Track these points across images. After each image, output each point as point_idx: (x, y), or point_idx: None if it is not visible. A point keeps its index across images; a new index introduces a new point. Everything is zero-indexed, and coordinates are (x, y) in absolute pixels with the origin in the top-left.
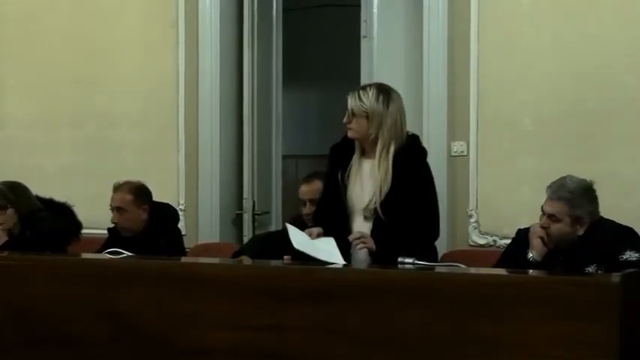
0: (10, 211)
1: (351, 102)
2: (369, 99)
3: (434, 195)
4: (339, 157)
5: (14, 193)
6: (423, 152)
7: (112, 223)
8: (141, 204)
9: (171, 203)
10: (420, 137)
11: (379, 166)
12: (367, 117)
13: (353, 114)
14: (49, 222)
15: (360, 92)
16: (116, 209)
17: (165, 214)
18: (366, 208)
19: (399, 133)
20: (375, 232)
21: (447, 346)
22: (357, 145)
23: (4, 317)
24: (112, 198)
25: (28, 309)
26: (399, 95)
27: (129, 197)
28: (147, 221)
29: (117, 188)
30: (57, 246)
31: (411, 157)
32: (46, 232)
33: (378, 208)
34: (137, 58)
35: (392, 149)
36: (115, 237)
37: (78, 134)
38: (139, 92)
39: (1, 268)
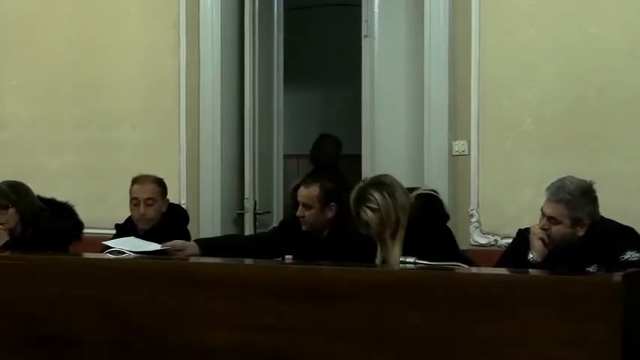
0: (11, 210)
1: None
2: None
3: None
4: None
5: (16, 192)
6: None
7: (138, 215)
8: (165, 195)
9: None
10: (422, 136)
11: None
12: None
13: None
14: (50, 222)
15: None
16: (145, 201)
17: (175, 215)
18: None
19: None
20: None
21: (447, 345)
22: None
23: (4, 316)
24: (137, 190)
25: (29, 308)
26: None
27: (158, 188)
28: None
29: (142, 180)
30: (58, 246)
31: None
32: (48, 232)
33: None
34: (139, 59)
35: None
36: (122, 234)
37: (80, 134)
38: (141, 92)
39: (2, 267)
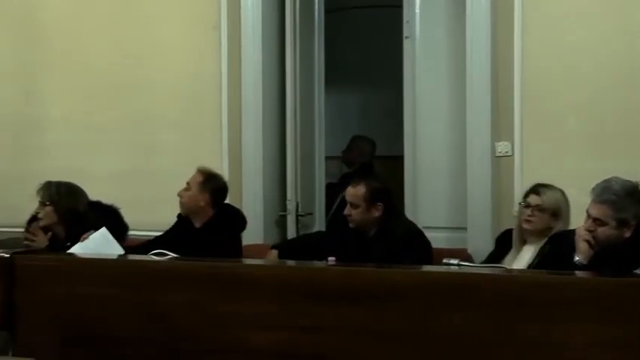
0: (48, 208)
1: None
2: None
3: None
4: None
5: (58, 192)
6: None
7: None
8: (205, 190)
9: None
10: (464, 138)
11: None
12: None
13: None
14: (95, 224)
15: None
16: (186, 184)
17: (229, 218)
18: None
19: None
20: None
21: (490, 347)
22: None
23: (45, 317)
24: None
25: (70, 309)
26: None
27: (198, 178)
28: (212, 218)
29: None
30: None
31: None
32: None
33: None
34: (180, 61)
35: None
36: (180, 225)
37: (122, 137)
38: (183, 95)
39: (43, 268)
